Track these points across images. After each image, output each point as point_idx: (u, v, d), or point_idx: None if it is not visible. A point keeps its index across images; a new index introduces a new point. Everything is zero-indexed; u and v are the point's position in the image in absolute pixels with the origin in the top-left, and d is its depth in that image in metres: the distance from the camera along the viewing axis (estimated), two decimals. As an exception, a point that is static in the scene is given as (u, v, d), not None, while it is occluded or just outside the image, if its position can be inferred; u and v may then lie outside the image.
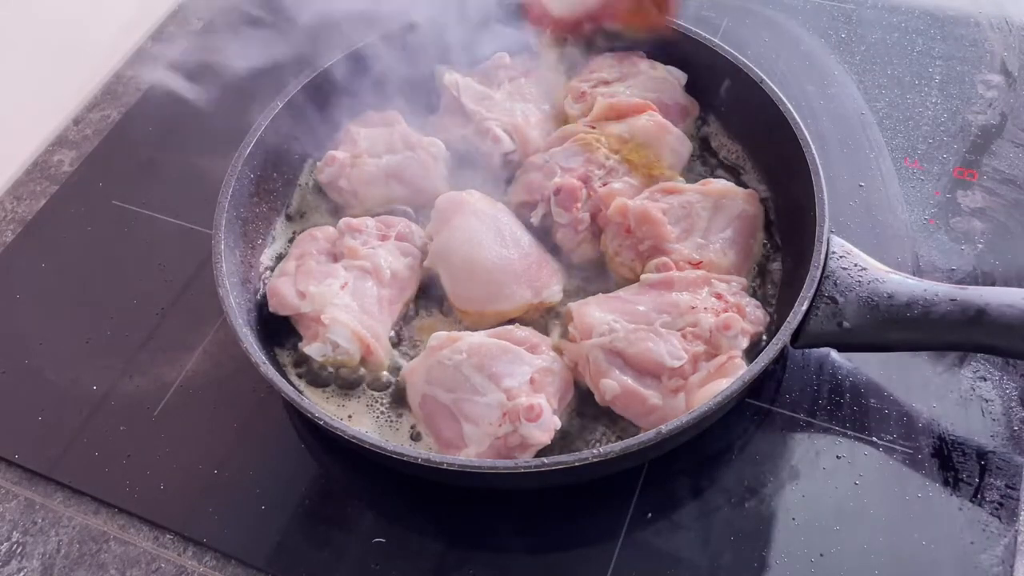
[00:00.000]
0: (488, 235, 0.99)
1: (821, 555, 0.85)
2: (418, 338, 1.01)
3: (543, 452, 0.87)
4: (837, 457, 0.91)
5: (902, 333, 0.87)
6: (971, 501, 0.87)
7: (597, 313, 0.92)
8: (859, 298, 0.88)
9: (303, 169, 1.15)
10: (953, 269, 1.04)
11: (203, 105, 1.26)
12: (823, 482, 0.90)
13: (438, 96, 1.17)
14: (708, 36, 1.09)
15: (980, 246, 1.06)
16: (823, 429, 0.93)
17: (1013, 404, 0.93)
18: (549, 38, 1.17)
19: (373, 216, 1.06)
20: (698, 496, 0.90)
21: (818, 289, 0.88)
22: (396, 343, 1.00)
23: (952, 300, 0.85)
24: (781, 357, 0.96)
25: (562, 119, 1.15)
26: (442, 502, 0.91)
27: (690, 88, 1.14)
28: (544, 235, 1.05)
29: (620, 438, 0.90)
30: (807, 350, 0.98)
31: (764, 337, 0.93)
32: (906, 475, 0.89)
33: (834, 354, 0.98)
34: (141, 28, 1.45)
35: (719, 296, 0.93)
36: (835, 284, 0.88)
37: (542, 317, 1.01)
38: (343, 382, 0.97)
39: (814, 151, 0.96)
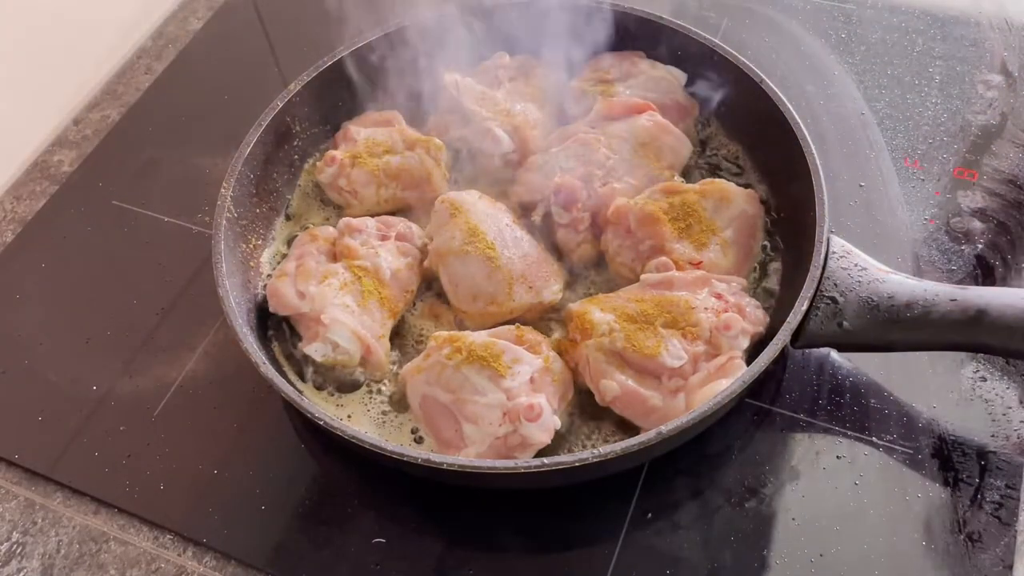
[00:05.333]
0: (488, 235, 0.99)
1: (821, 555, 0.85)
2: (418, 338, 1.01)
3: (543, 452, 0.87)
4: (837, 457, 0.91)
5: (902, 333, 0.87)
6: (971, 501, 0.87)
7: (597, 313, 0.92)
8: (859, 298, 0.87)
9: (303, 169, 1.15)
10: (953, 269, 1.04)
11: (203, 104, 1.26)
12: (823, 482, 0.90)
13: (438, 96, 1.17)
14: (708, 36, 1.09)
15: (980, 246, 1.06)
16: (823, 429, 0.93)
17: (1013, 404, 0.93)
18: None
19: (373, 216, 1.06)
20: (698, 496, 0.90)
21: (818, 289, 0.88)
22: (396, 343, 1.00)
23: (952, 300, 0.85)
24: (781, 357, 0.96)
25: (562, 119, 1.15)
26: (442, 502, 0.91)
27: (690, 88, 1.14)
28: (544, 235, 1.05)
29: (620, 438, 0.89)
30: (807, 350, 0.98)
31: (764, 337, 0.93)
32: (906, 475, 0.89)
33: (834, 354, 0.98)
34: (141, 28, 1.45)
35: (719, 296, 0.93)
36: (835, 284, 0.88)
37: (542, 317, 1.01)
38: (343, 382, 0.97)
39: (814, 151, 0.96)
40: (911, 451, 0.91)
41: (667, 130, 1.07)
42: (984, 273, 1.03)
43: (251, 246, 1.05)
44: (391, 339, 1.00)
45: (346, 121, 1.16)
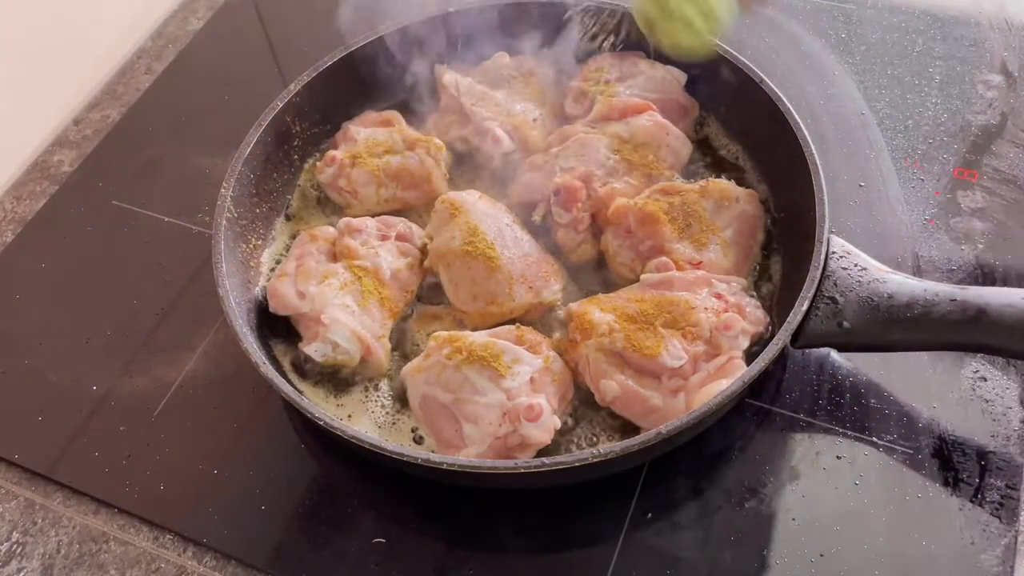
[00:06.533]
0: (488, 235, 0.99)
1: (821, 555, 0.85)
2: (418, 338, 1.01)
3: (543, 452, 0.87)
4: (837, 457, 0.91)
5: (902, 333, 0.87)
6: (971, 501, 0.87)
7: (597, 313, 0.92)
8: (859, 298, 0.87)
9: (303, 169, 1.15)
10: (953, 269, 1.04)
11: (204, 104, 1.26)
12: (823, 482, 0.90)
13: (438, 96, 1.17)
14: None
15: (980, 246, 1.06)
16: (823, 429, 0.93)
17: (1013, 404, 0.93)
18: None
19: (373, 216, 1.06)
20: (698, 496, 0.90)
21: (818, 289, 0.88)
22: (396, 343, 1.00)
23: (952, 300, 0.85)
24: (781, 357, 0.96)
25: (562, 119, 1.15)
26: (442, 502, 0.91)
27: (690, 88, 1.14)
28: (544, 235, 1.05)
29: (620, 438, 0.89)
30: (807, 350, 0.98)
31: (764, 337, 0.93)
32: (906, 475, 0.89)
33: (834, 354, 0.98)
34: (141, 28, 1.45)
35: (719, 296, 0.93)
36: (835, 284, 0.88)
37: (542, 317, 1.01)
38: (342, 382, 0.97)
39: (814, 151, 0.96)
40: (911, 451, 0.91)
41: (667, 130, 1.07)
42: (984, 273, 1.03)
43: (251, 246, 1.05)
44: (391, 339, 1.00)
45: (346, 121, 1.16)
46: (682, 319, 0.91)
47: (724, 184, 1.02)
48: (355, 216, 1.05)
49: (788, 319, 0.85)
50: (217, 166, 1.21)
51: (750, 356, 0.89)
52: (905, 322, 0.86)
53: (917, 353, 0.97)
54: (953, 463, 0.90)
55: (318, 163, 1.12)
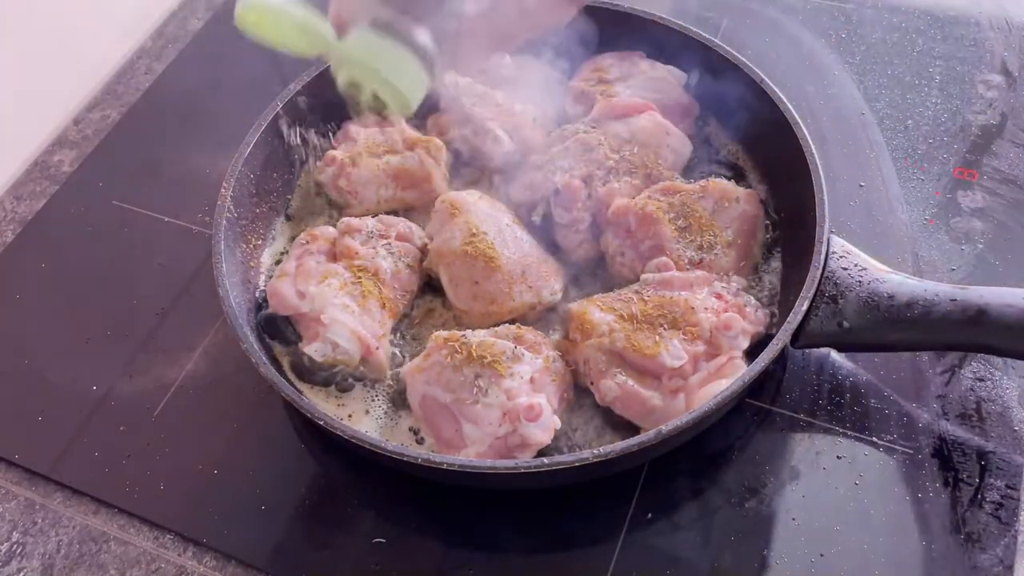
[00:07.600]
0: (488, 235, 0.99)
1: (821, 555, 0.85)
2: (418, 338, 1.01)
3: (543, 452, 0.87)
4: (837, 457, 0.91)
5: (902, 333, 0.87)
6: (971, 501, 0.87)
7: (597, 313, 0.92)
8: (859, 298, 0.88)
9: (303, 169, 1.15)
10: (953, 269, 1.04)
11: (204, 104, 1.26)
12: (823, 482, 0.90)
13: (438, 96, 1.17)
14: (708, 36, 1.09)
15: (980, 246, 1.06)
16: (823, 429, 0.93)
17: (1013, 404, 0.93)
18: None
19: (373, 216, 1.06)
20: (698, 496, 0.90)
21: (818, 289, 0.88)
22: (396, 343, 1.00)
23: (952, 300, 0.85)
24: (781, 357, 0.96)
25: (562, 119, 1.15)
26: (442, 502, 0.91)
27: (690, 88, 1.14)
28: (544, 235, 1.05)
29: (620, 438, 0.89)
30: (807, 350, 0.98)
31: (764, 337, 0.93)
32: (906, 475, 0.90)
33: (834, 354, 0.98)
34: (141, 28, 1.45)
35: (719, 296, 0.93)
36: (835, 284, 0.88)
37: (542, 317, 1.01)
38: (342, 382, 0.97)
39: (814, 151, 0.96)
40: (911, 451, 0.91)
41: (667, 130, 1.07)
42: (984, 273, 1.03)
43: (251, 246, 1.05)
44: (391, 339, 1.00)
45: (346, 121, 1.16)
46: (682, 319, 0.91)
47: (724, 184, 1.02)
48: (355, 216, 1.05)
49: (788, 319, 0.85)
50: (217, 166, 1.21)
51: (750, 356, 0.89)
52: (905, 322, 0.86)
53: (917, 353, 0.97)
54: (953, 463, 0.90)
55: (318, 163, 1.12)
